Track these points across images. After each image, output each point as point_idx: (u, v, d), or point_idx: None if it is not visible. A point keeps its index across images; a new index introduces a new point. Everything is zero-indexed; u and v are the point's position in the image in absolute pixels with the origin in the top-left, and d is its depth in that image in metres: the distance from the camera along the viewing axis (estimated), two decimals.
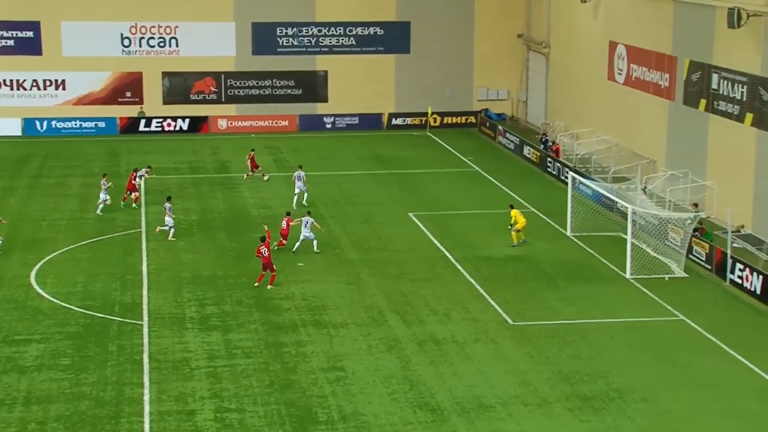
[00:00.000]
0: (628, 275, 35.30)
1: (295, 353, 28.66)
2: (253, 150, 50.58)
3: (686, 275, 35.49)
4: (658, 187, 44.64)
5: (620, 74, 51.15)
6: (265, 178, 48.67)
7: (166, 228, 38.94)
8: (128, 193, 43.00)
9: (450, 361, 28.11)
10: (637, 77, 49.26)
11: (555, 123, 58.61)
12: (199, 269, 36.06)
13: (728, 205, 38.77)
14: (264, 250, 33.54)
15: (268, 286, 33.57)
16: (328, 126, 62.97)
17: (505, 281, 34.97)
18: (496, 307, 32.47)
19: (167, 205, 39.62)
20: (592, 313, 31.95)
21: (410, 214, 43.47)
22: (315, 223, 37.31)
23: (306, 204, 43.57)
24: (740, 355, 28.54)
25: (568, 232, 40.29)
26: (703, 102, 43.23)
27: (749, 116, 39.71)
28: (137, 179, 43.63)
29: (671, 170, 45.05)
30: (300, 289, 34.13)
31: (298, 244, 37.04)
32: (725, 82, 41.35)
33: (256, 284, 33.76)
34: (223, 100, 62.64)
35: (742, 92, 40.10)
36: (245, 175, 49.16)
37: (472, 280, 35.00)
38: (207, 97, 62.36)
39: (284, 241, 37.05)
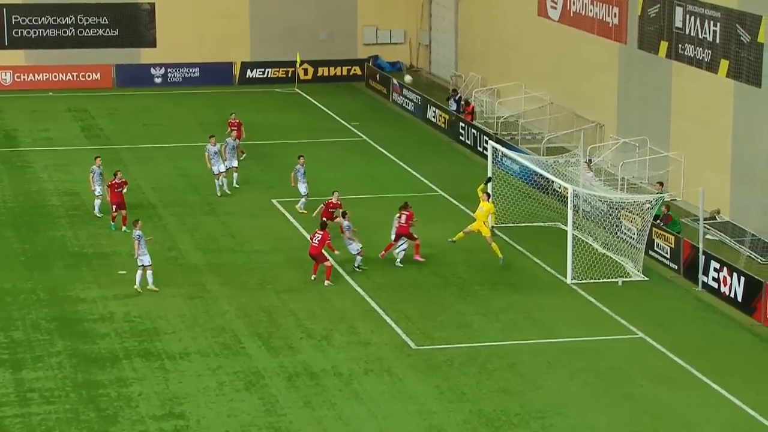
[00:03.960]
0: (569, 280, 35.92)
1: (116, 396, 28.34)
2: (233, 114, 48.50)
3: (646, 278, 36.30)
4: (608, 161, 45.51)
5: (554, 8, 51.96)
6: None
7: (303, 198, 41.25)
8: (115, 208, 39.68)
9: (332, 401, 28.16)
10: (577, 12, 50.11)
11: (469, 75, 59.22)
12: None
13: (699, 183, 39.75)
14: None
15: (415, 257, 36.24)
16: (158, 81, 62.32)
17: (406, 291, 35.17)
18: (393, 325, 32.65)
19: (299, 167, 41.07)
20: (522, 332, 32.39)
21: (274, 201, 43.39)
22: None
23: None
24: (716, 383, 29.32)
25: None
26: (664, 45, 44.24)
27: (724, 63, 40.81)
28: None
29: (624, 137, 45.98)
30: (122, 306, 33.75)
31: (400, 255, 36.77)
32: (692, 18, 42.40)
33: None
34: (6, 44, 61.59)
35: (715, 32, 41.21)
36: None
37: (360, 290, 35.14)
38: None
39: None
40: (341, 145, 51.55)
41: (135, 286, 34.47)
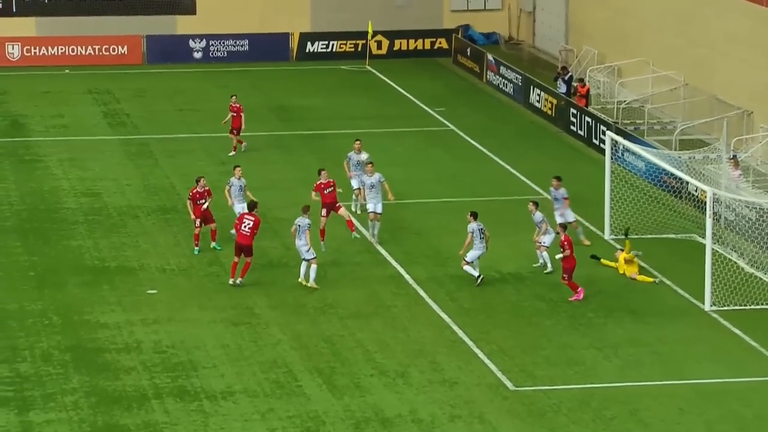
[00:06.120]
0: (707, 306, 35.66)
1: None
2: (234, 96, 49.16)
3: None
4: (757, 157, 45.17)
5: None
6: (242, 147, 48.28)
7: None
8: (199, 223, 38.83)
9: None
10: None
11: (582, 49, 59.03)
12: None
13: None
14: None
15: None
16: (197, 56, 62.68)
17: (501, 317, 35.09)
18: (486, 361, 32.57)
19: (552, 190, 39.75)
20: (647, 371, 32.21)
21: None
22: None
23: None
24: None
25: (606, 234, 40.60)
26: None
27: None
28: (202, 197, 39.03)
29: None
30: (151, 333, 33.92)
31: None
32: None
33: None
34: (14, 11, 62.22)
35: None
36: (233, 149, 48.28)
37: (444, 316, 35.09)
38: None
39: None
40: (421, 135, 51.49)
41: (300, 279, 36.52)
